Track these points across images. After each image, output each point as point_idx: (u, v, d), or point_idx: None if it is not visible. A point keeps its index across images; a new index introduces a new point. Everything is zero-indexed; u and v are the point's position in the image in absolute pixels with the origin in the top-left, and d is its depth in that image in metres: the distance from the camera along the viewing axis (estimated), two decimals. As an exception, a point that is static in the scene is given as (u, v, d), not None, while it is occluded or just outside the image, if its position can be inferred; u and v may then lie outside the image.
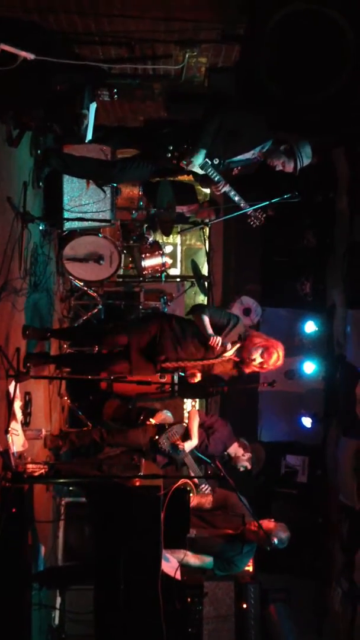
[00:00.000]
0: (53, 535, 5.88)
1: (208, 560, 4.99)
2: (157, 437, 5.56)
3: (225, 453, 5.67)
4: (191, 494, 4.43)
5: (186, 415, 6.42)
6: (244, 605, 6.93)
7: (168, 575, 4.13)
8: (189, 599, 4.16)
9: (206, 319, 4.79)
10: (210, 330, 4.77)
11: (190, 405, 8.31)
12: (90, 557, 4.33)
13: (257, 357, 4.76)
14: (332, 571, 7.53)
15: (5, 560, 3.83)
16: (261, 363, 4.79)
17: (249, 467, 5.72)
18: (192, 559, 4.86)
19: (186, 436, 5.53)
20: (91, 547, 4.36)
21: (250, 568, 7.52)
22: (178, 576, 4.22)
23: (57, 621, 5.89)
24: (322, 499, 7.89)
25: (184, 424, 5.62)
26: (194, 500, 5.06)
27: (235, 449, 5.66)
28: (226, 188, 4.85)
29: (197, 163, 4.70)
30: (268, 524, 4.81)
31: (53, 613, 5.80)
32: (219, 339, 4.74)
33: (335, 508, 7.58)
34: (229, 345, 4.79)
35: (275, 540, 4.76)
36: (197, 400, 8.48)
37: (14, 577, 3.90)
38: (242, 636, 6.66)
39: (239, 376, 5.01)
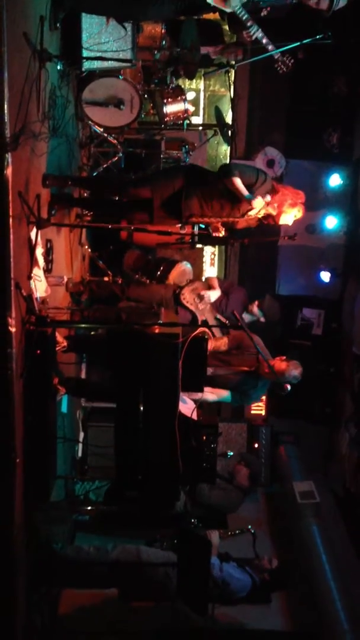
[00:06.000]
0: (76, 377, 6.14)
1: (225, 394, 5.15)
2: (179, 290, 5.66)
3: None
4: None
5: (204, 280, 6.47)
6: (256, 445, 7.38)
7: (185, 415, 4.35)
8: (204, 437, 4.39)
9: (239, 181, 4.74)
10: (246, 192, 4.74)
11: (209, 257, 8.32)
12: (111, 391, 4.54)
13: (289, 211, 4.83)
14: (341, 417, 7.87)
15: (30, 397, 4.04)
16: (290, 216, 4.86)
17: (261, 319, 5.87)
18: (210, 395, 5.04)
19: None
20: (112, 387, 4.55)
21: (262, 412, 7.90)
22: (194, 417, 4.43)
23: (80, 454, 6.31)
24: (336, 351, 8.10)
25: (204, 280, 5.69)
26: (210, 344, 5.20)
27: (252, 310, 5.77)
28: (259, 34, 4.54)
29: (224, -2, 4.37)
30: (280, 363, 4.95)
31: (76, 446, 6.19)
32: (259, 199, 4.72)
33: (348, 359, 7.79)
34: (257, 202, 4.77)
35: (289, 378, 4.92)
36: (216, 251, 8.48)
37: (40, 411, 4.14)
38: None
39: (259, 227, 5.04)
